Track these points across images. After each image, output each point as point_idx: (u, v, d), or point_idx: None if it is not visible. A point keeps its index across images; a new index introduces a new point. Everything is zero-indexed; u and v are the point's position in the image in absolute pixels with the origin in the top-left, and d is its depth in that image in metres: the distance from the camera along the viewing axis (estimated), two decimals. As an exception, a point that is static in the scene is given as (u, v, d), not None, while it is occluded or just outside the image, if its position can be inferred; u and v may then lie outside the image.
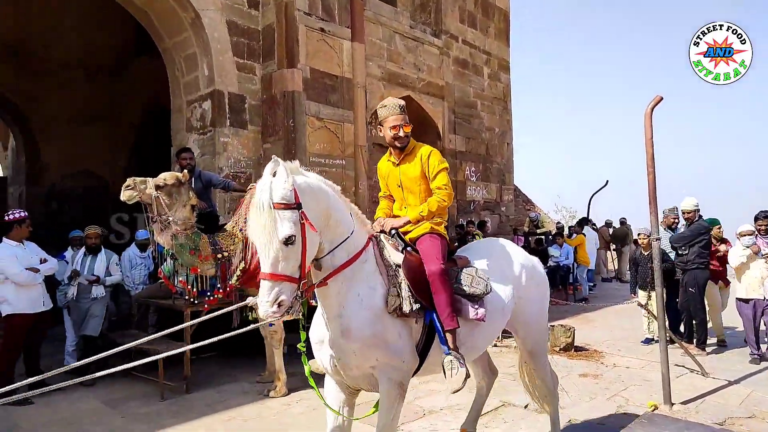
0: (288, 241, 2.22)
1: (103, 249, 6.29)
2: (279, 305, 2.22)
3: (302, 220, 2.27)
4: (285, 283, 2.24)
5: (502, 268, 3.16)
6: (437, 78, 10.49)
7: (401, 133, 3.03)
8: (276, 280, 2.22)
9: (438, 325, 2.74)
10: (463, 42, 11.28)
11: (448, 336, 2.74)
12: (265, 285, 2.23)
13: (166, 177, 4.81)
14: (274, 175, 2.31)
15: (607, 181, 16.34)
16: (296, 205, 2.27)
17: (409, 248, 2.90)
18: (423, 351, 2.75)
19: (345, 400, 2.82)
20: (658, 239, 4.95)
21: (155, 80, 9.83)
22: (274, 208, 2.22)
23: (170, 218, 4.70)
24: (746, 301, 6.31)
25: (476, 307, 2.84)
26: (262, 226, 2.22)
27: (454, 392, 2.78)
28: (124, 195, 4.70)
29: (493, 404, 4.74)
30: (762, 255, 6.21)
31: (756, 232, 6.42)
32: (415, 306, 2.65)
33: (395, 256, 2.79)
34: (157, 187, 4.72)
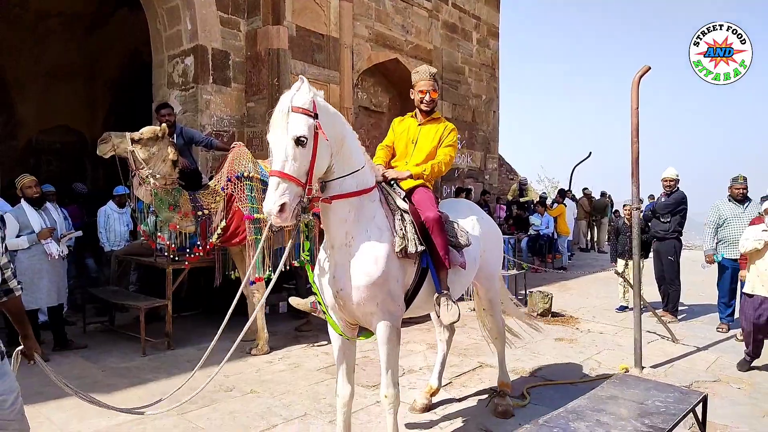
0: (299, 142, 2.33)
1: (49, 203, 5.35)
2: (282, 209, 2.29)
3: (317, 129, 2.39)
4: (291, 183, 2.32)
5: (472, 225, 3.44)
6: (425, 41, 10.33)
7: (428, 97, 3.33)
8: (283, 177, 2.31)
9: (432, 266, 2.93)
10: (452, 5, 11.08)
11: (442, 276, 2.96)
12: (272, 181, 2.33)
13: (143, 131, 4.71)
14: (298, 89, 2.45)
15: (590, 152, 16.46)
16: (313, 114, 2.40)
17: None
18: (413, 293, 2.92)
19: (345, 327, 3.01)
20: (638, 208, 5.02)
21: (136, 34, 9.51)
22: (292, 111, 2.35)
23: (148, 173, 4.63)
24: (751, 296, 4.78)
25: (461, 255, 3.12)
26: (277, 125, 2.37)
27: (450, 324, 3.07)
28: (100, 149, 4.63)
29: (471, 365, 4.88)
30: None
31: None
32: (420, 247, 2.79)
33: (401, 203, 2.94)
34: (134, 141, 4.63)
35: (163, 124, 4.97)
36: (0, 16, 10.93)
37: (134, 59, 10.96)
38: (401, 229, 2.78)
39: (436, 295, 2.96)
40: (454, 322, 2.98)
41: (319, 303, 2.90)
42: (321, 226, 2.76)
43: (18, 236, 4.88)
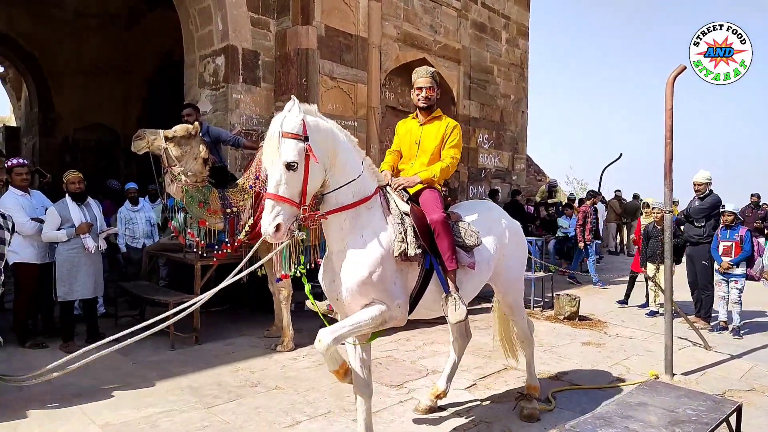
0: (290, 167, 2.45)
1: (92, 199, 5.50)
2: (277, 228, 2.44)
3: (307, 152, 2.49)
4: (285, 204, 2.46)
5: (489, 226, 3.40)
6: (454, 41, 10.27)
7: (424, 94, 3.32)
8: (277, 200, 2.46)
9: (438, 267, 2.99)
10: (482, 5, 10.99)
11: (450, 277, 3.00)
12: (267, 204, 2.47)
13: (176, 129, 4.83)
14: (290, 111, 2.56)
15: (621, 153, 16.18)
16: (303, 137, 2.50)
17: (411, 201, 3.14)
18: (417, 295, 2.98)
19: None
20: (671, 212, 4.91)
21: (169, 34, 9.73)
22: (282, 136, 2.47)
23: (180, 170, 4.73)
24: None
25: (469, 255, 3.13)
26: (269, 150, 2.50)
27: (456, 323, 3.05)
28: (134, 146, 4.75)
29: (495, 367, 4.83)
30: None
31: None
32: (418, 250, 2.85)
33: (402, 206, 3.00)
34: (167, 139, 4.75)
35: (195, 123, 5.07)
36: (39, 14, 11.32)
37: (168, 58, 11.20)
38: (400, 233, 2.83)
39: (444, 294, 3.00)
40: (461, 321, 3.02)
41: (312, 303, 3.02)
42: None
43: (59, 229, 5.05)
